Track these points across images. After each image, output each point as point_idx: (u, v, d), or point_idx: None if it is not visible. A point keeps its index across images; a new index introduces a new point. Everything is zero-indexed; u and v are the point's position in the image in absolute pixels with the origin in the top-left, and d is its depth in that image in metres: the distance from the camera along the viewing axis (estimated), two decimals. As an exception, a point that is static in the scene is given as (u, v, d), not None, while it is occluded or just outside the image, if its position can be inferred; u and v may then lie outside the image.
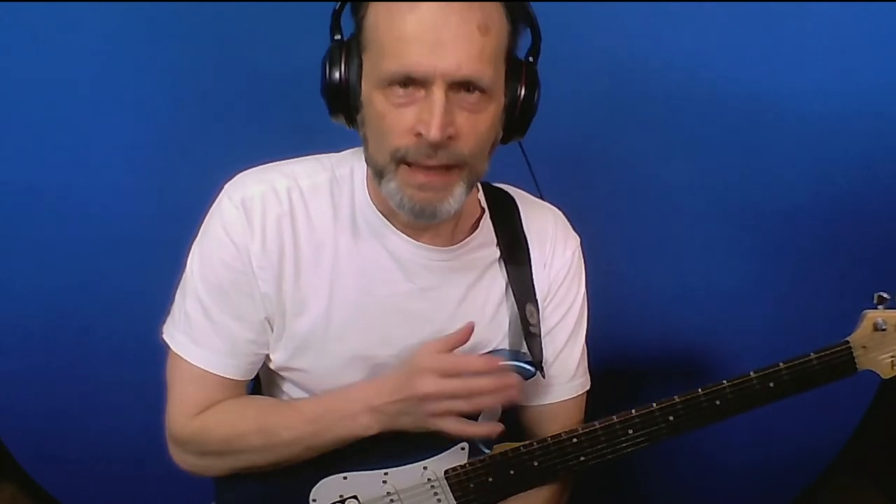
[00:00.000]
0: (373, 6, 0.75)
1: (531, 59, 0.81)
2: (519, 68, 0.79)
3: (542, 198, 0.99)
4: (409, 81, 0.72)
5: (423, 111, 0.72)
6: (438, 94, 0.71)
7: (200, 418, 0.86)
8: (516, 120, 0.81)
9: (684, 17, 1.23)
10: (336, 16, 0.78)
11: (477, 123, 0.75)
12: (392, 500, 0.92)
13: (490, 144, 0.80)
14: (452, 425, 0.81)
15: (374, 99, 0.75)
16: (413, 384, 0.80)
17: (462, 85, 0.73)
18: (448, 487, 0.92)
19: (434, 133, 0.71)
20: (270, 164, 0.88)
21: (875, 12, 1.21)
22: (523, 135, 0.84)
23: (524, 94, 0.79)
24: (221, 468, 0.89)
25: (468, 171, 0.77)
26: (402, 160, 0.75)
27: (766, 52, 1.24)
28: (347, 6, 0.78)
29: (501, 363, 0.83)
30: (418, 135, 0.73)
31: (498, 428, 0.84)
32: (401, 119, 0.74)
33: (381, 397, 0.82)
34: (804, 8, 1.21)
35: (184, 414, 0.86)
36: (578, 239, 0.98)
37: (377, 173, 0.79)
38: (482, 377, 0.81)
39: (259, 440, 0.84)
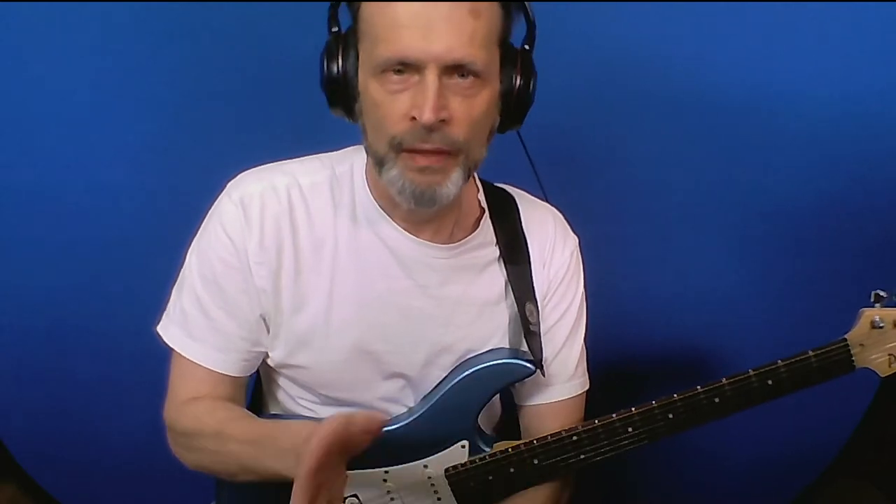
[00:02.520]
0: None
1: (527, 47, 0.81)
2: (514, 56, 0.80)
3: (546, 198, 0.99)
4: (402, 67, 0.73)
5: (416, 95, 0.73)
6: (431, 77, 0.72)
7: (183, 407, 0.87)
8: (513, 108, 0.81)
9: (684, 17, 1.23)
10: (333, 9, 0.79)
11: (471, 108, 0.76)
12: (392, 499, 0.92)
13: (486, 130, 0.81)
14: None
15: (370, 87, 0.76)
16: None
17: (455, 69, 0.73)
18: (448, 486, 0.92)
19: (427, 115, 0.72)
20: (272, 163, 0.89)
21: (874, 12, 1.21)
22: (520, 124, 0.84)
23: (520, 83, 0.80)
24: (191, 463, 0.88)
25: (464, 157, 0.78)
26: (399, 147, 0.76)
27: (766, 52, 1.24)
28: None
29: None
30: (413, 119, 0.74)
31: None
32: (396, 105, 0.75)
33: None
34: (804, 7, 1.21)
35: (176, 403, 0.88)
36: (577, 239, 0.98)
37: (378, 162, 0.79)
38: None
39: (213, 444, 0.84)
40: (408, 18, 0.72)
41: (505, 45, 0.79)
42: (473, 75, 0.74)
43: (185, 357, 0.86)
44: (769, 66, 1.25)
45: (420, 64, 0.72)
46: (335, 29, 0.80)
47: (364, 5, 0.76)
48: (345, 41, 0.79)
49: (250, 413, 0.88)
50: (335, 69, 0.79)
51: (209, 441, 0.84)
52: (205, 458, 0.86)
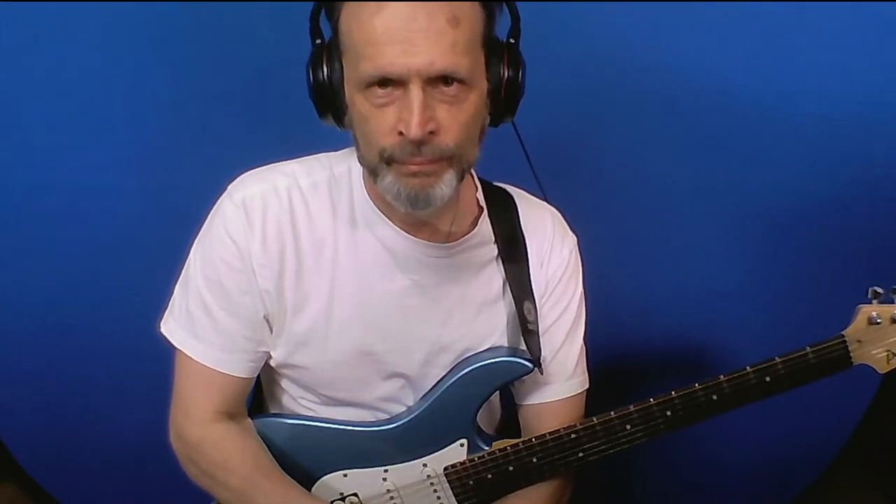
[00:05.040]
0: (344, 10, 0.75)
1: (512, 40, 0.81)
2: (500, 50, 0.79)
3: (545, 197, 0.99)
4: (386, 82, 0.73)
5: (402, 110, 0.73)
6: (415, 91, 0.72)
7: (206, 429, 0.87)
8: (503, 102, 0.81)
9: (684, 17, 1.23)
10: (313, 19, 0.79)
11: (459, 114, 0.75)
12: (392, 498, 0.93)
13: (477, 132, 0.80)
14: None
15: (356, 101, 0.76)
16: None
17: (439, 79, 0.73)
18: (448, 484, 0.92)
19: (414, 131, 0.72)
20: (272, 164, 0.89)
21: (874, 12, 1.22)
22: (513, 116, 0.84)
23: (508, 76, 0.79)
24: (197, 480, 0.89)
25: (457, 161, 0.78)
26: (391, 160, 0.76)
27: (765, 53, 1.24)
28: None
29: None
30: (400, 133, 0.73)
31: None
32: (383, 119, 0.74)
33: None
34: (804, 7, 1.22)
35: (183, 407, 0.88)
36: (575, 238, 0.98)
37: (371, 172, 0.79)
38: None
39: (238, 484, 0.85)
40: (386, 34, 0.71)
41: (489, 44, 0.78)
42: (458, 82, 0.74)
43: (190, 358, 0.86)
44: (769, 66, 1.25)
45: (403, 79, 0.72)
46: (318, 40, 0.79)
47: (342, 20, 0.76)
48: (328, 52, 0.78)
49: (274, 460, 0.89)
50: (321, 81, 0.78)
51: (237, 481, 0.85)
52: (223, 491, 0.86)
